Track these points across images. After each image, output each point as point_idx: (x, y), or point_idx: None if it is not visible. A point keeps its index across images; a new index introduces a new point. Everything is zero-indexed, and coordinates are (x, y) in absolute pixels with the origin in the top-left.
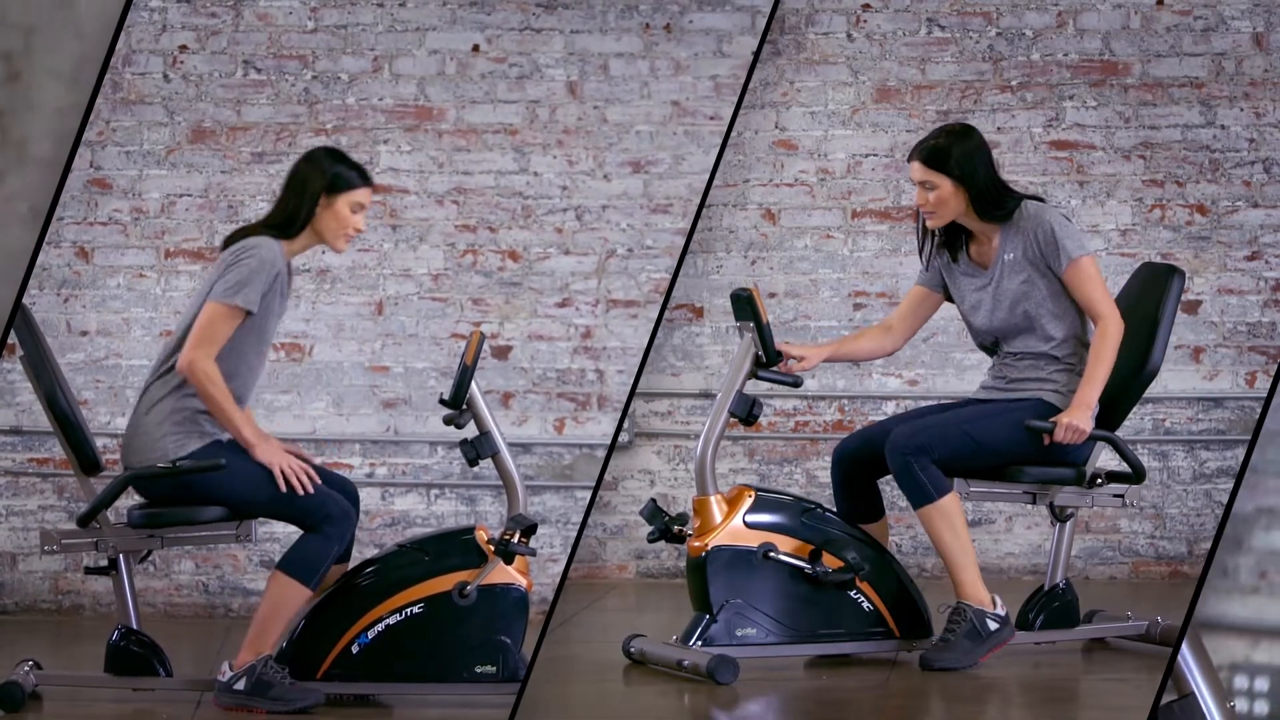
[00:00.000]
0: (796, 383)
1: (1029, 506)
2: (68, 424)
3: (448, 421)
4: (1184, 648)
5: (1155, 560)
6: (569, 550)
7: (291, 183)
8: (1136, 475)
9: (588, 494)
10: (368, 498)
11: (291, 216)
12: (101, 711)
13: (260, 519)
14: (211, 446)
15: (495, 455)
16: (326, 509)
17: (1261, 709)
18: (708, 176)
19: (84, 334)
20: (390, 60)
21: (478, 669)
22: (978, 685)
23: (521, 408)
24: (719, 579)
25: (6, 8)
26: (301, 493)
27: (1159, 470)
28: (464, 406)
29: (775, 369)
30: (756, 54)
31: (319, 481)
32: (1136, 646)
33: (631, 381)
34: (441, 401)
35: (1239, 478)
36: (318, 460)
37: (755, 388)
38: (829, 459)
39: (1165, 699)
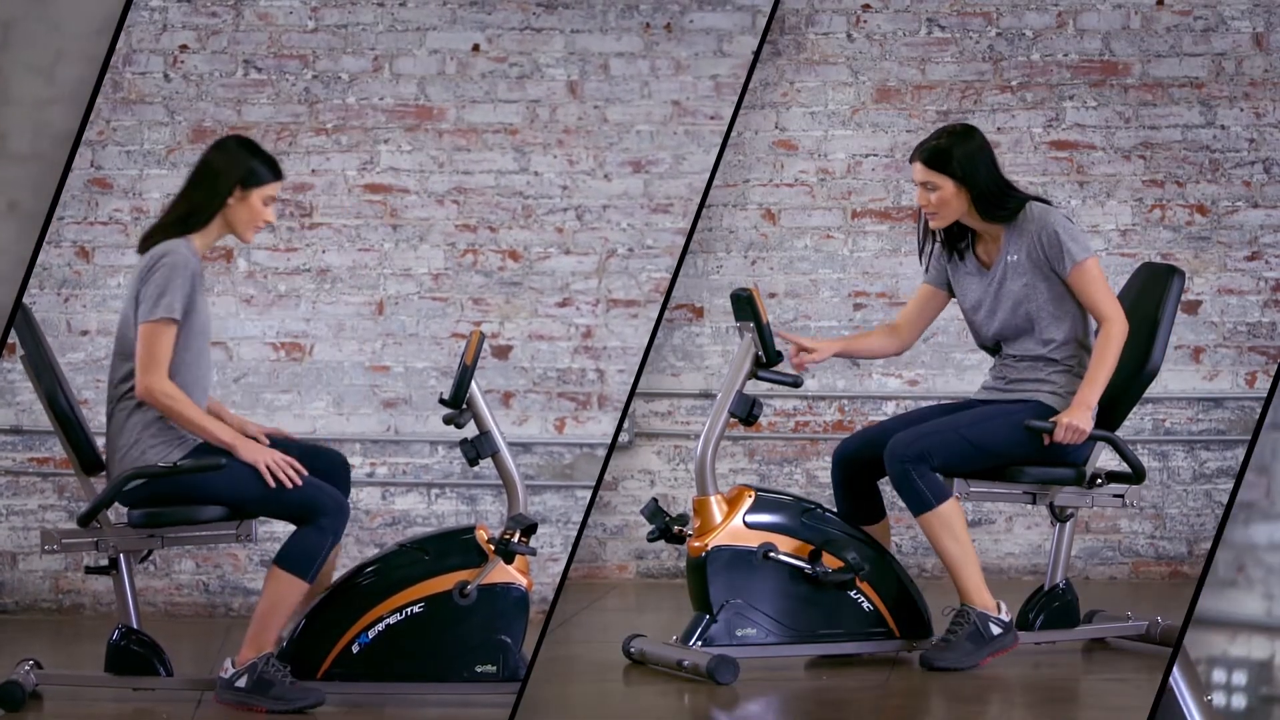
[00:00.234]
0: (796, 383)
1: (1029, 506)
2: (68, 423)
3: (448, 421)
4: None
5: (1155, 560)
6: (569, 550)
7: (202, 174)
8: (1136, 475)
9: (588, 493)
10: (368, 497)
11: (199, 208)
12: (102, 711)
13: (260, 518)
14: (202, 447)
15: (495, 455)
16: (319, 502)
17: (1239, 703)
18: (708, 176)
19: (84, 333)
20: (391, 60)
21: (478, 668)
22: (978, 685)
23: (522, 407)
24: (719, 579)
25: None
26: (290, 486)
27: (1159, 470)
28: (464, 406)
29: (782, 364)
30: (756, 54)
31: (305, 473)
32: (1136, 646)
33: (632, 381)
34: (442, 401)
35: (1239, 478)
36: (299, 435)
37: (755, 388)
38: (829, 459)
39: None
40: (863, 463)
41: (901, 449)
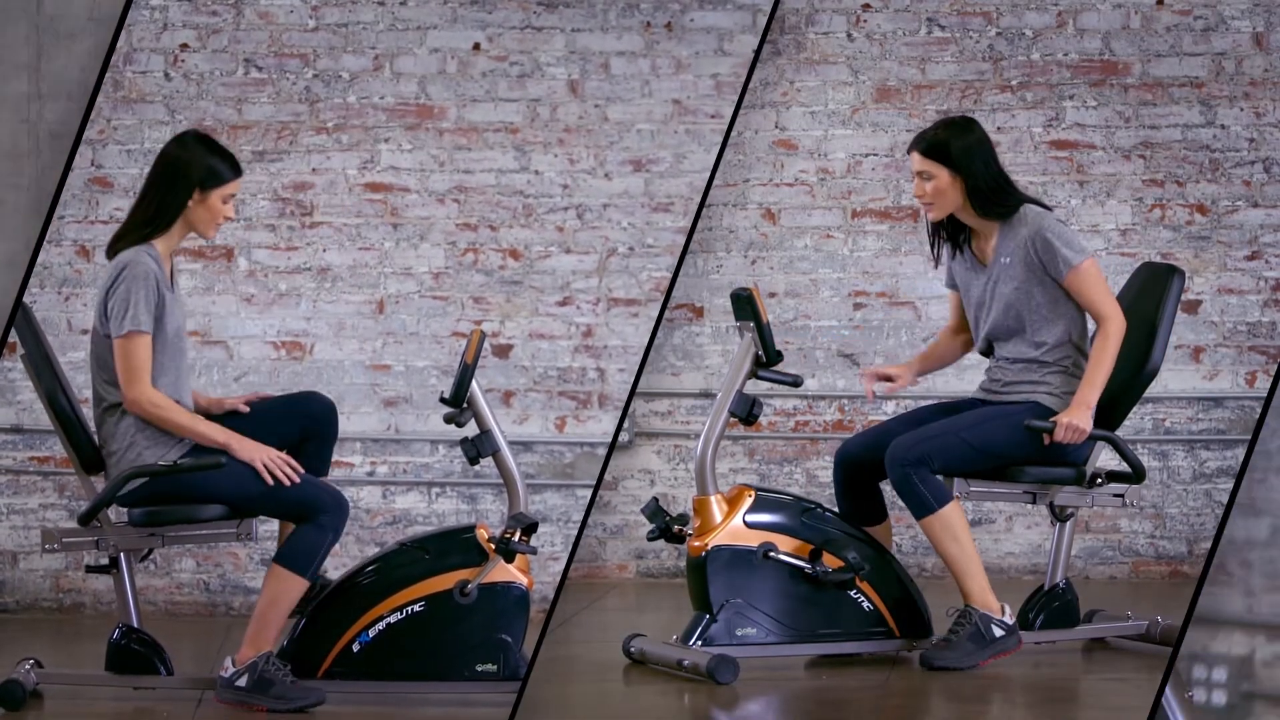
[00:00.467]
0: (796, 382)
1: (1029, 506)
2: (69, 422)
3: (448, 420)
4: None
5: (1155, 560)
6: (569, 549)
7: (162, 173)
8: (1136, 475)
9: (588, 492)
10: (369, 496)
11: (160, 212)
12: (102, 710)
13: (260, 518)
14: (200, 446)
15: (496, 453)
16: (319, 500)
17: (1219, 699)
18: (708, 175)
19: (85, 332)
20: (391, 59)
21: (478, 667)
22: (978, 685)
23: (522, 406)
24: (719, 579)
25: None
26: (288, 483)
27: (1159, 470)
28: (465, 405)
29: (783, 364)
30: (757, 53)
31: (302, 470)
32: (1136, 646)
33: (632, 380)
34: (442, 400)
35: (1239, 478)
36: (277, 392)
37: (755, 387)
38: (829, 459)
39: None
40: (864, 463)
41: (902, 453)
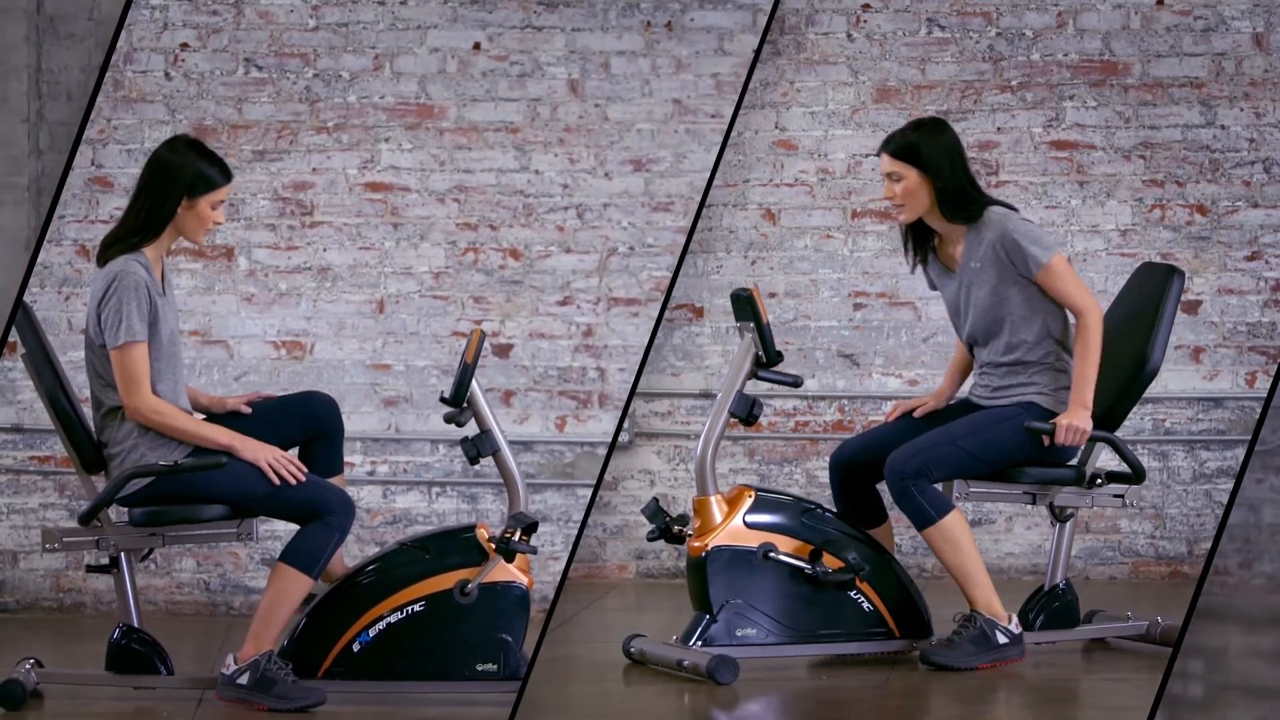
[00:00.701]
0: (796, 383)
1: (1029, 506)
2: (69, 422)
3: (449, 419)
4: None
5: (1155, 560)
6: (569, 549)
7: (151, 179)
8: (1136, 475)
9: (588, 492)
10: (369, 496)
11: (149, 220)
12: (102, 710)
13: (261, 518)
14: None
15: (496, 453)
16: (326, 501)
17: (1196, 691)
18: (708, 175)
19: (85, 332)
20: (391, 58)
21: (479, 667)
22: (978, 685)
23: (523, 406)
24: (719, 579)
25: None
26: (294, 483)
27: (1159, 470)
28: (465, 404)
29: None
30: (757, 53)
31: (306, 471)
32: (1136, 646)
33: (632, 380)
34: (442, 399)
35: (1239, 478)
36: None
37: (755, 388)
38: (829, 459)
39: None
40: (860, 466)
41: (899, 465)
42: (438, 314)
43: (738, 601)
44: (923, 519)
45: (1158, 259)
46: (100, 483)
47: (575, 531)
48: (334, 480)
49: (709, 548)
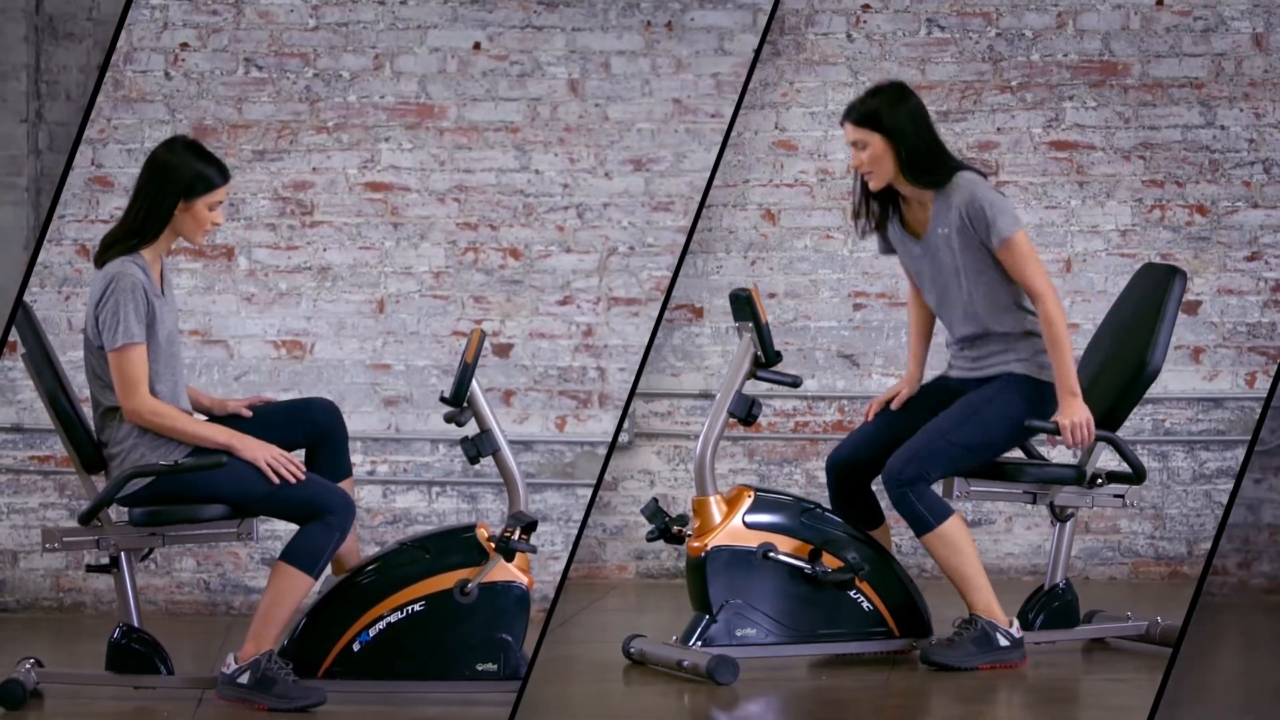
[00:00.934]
0: (796, 383)
1: (1029, 506)
2: (69, 422)
3: (449, 419)
4: None
5: (1155, 560)
6: (569, 549)
7: (149, 180)
8: (1137, 475)
9: (588, 492)
10: (369, 495)
11: (147, 222)
12: (102, 709)
13: (261, 517)
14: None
15: (496, 453)
16: (328, 501)
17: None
18: (708, 175)
19: (84, 332)
20: (391, 58)
21: (479, 667)
22: (978, 685)
23: (523, 405)
24: (719, 579)
25: None
26: (293, 481)
27: (1159, 470)
28: (465, 404)
29: (782, 364)
30: (757, 53)
31: (306, 469)
32: (1136, 646)
33: (632, 380)
34: (442, 399)
35: (1239, 478)
36: (282, 397)
37: (755, 388)
38: (825, 463)
39: None
40: (853, 467)
41: (896, 472)
42: (438, 314)
43: (737, 601)
44: (922, 525)
45: (1158, 259)
46: (100, 483)
47: (575, 531)
48: (343, 485)
49: (708, 548)
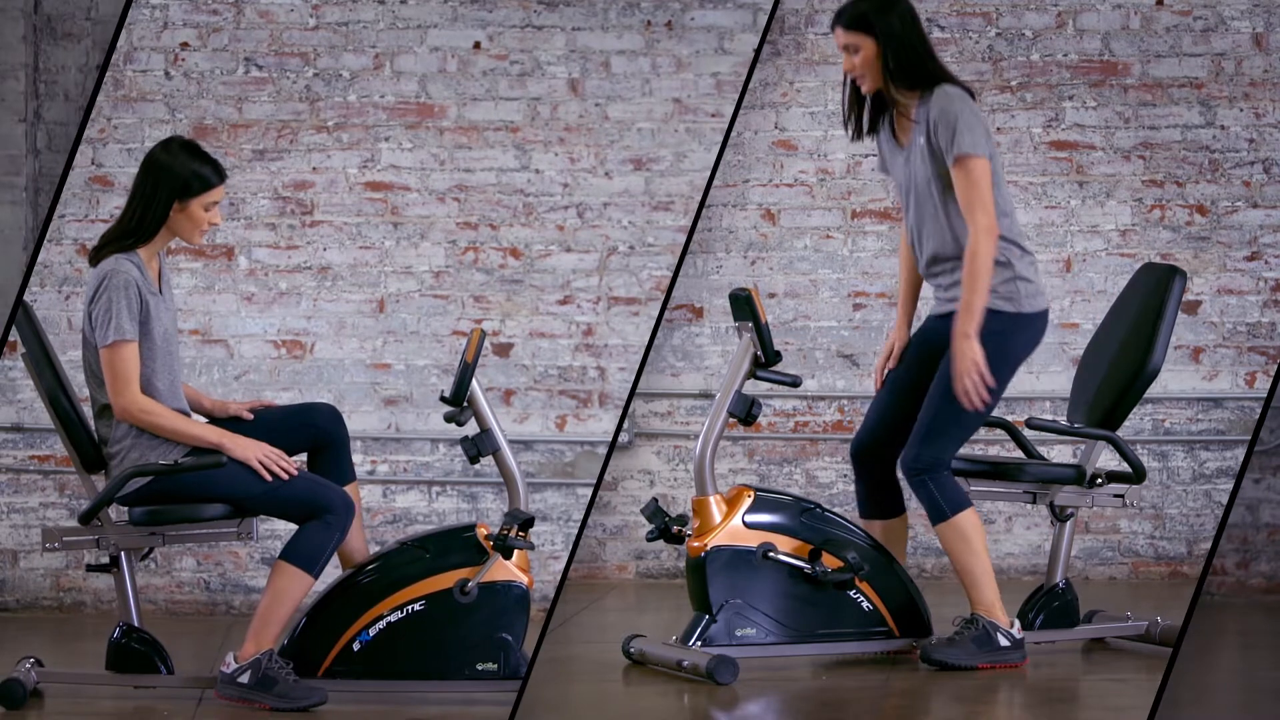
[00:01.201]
0: (795, 382)
1: (1029, 506)
2: (69, 421)
3: (449, 419)
4: None
5: (1155, 560)
6: (569, 549)
7: (145, 180)
8: (1137, 475)
9: (588, 491)
10: (369, 495)
11: (144, 219)
12: (103, 709)
13: (261, 517)
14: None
15: (496, 452)
16: (328, 500)
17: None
18: (709, 175)
19: (82, 331)
20: (392, 57)
21: (479, 666)
22: (978, 685)
23: (523, 405)
24: (718, 579)
25: None
26: (285, 478)
27: (1159, 470)
28: (465, 404)
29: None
30: (757, 53)
31: (298, 466)
32: (1136, 646)
33: (632, 380)
34: (442, 399)
35: (1239, 478)
36: (282, 396)
37: (755, 388)
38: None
39: None
40: (877, 448)
41: (912, 460)
42: (438, 313)
43: (737, 601)
44: (937, 513)
45: (1157, 259)
46: (100, 482)
47: (575, 531)
48: (347, 489)
49: (708, 548)
